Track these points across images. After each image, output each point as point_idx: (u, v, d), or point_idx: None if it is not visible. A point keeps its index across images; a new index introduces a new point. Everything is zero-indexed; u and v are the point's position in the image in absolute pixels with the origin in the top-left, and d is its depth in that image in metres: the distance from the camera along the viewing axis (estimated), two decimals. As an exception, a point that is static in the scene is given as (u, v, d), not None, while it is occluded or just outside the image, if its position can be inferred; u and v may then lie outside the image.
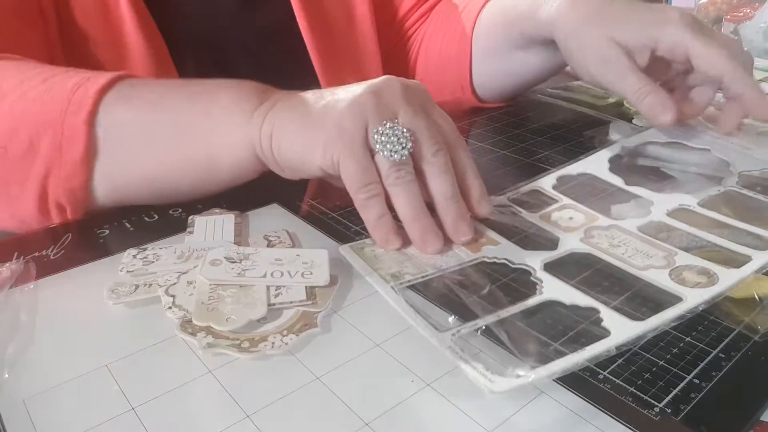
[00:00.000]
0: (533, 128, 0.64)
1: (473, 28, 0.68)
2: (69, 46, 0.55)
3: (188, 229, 0.42)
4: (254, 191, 0.47)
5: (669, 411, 0.27)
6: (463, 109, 0.72)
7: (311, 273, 0.35)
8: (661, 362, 0.30)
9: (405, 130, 0.38)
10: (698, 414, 0.27)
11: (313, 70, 0.66)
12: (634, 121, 0.63)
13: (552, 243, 0.40)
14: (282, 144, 0.40)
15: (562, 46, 0.56)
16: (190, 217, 0.44)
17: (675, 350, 0.31)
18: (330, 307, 0.34)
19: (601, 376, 0.29)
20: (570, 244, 0.39)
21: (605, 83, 0.53)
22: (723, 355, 0.30)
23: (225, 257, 0.36)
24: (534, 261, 0.37)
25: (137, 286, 0.35)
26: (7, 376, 0.30)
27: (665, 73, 0.56)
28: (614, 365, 0.30)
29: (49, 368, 0.30)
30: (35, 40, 0.52)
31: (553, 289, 0.34)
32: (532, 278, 0.36)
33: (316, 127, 0.39)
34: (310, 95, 0.42)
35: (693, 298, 0.33)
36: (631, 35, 0.51)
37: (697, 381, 0.29)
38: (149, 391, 0.29)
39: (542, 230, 0.41)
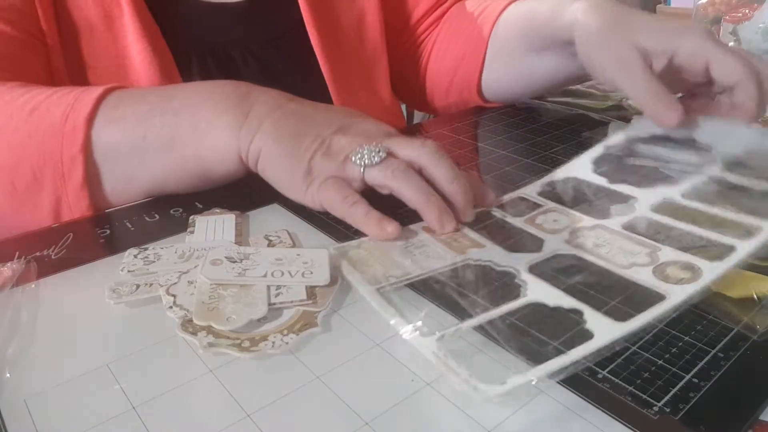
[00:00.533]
0: (533, 128, 0.64)
1: (491, 30, 0.68)
2: (71, 58, 0.55)
3: (189, 229, 0.42)
4: (255, 191, 0.47)
5: (668, 410, 0.27)
6: (466, 109, 0.72)
7: (311, 273, 0.36)
8: (660, 361, 0.30)
9: (376, 144, 0.42)
10: (697, 413, 0.27)
11: (321, 76, 0.66)
12: (633, 121, 0.63)
13: (536, 245, 0.40)
14: (267, 173, 0.45)
15: (580, 47, 0.56)
16: (191, 217, 0.44)
17: (674, 350, 0.31)
18: (330, 306, 0.34)
19: (600, 376, 0.29)
20: (554, 245, 0.39)
21: (617, 82, 0.53)
22: (722, 355, 0.30)
23: (226, 257, 0.36)
24: (519, 263, 0.37)
25: (138, 286, 0.35)
26: (8, 375, 0.30)
27: (681, 87, 0.56)
28: (613, 364, 0.30)
29: (50, 367, 0.30)
30: (33, 51, 0.52)
31: (537, 291, 0.34)
32: (516, 281, 0.36)
33: (298, 169, 0.43)
34: (294, 116, 0.45)
35: (676, 295, 0.33)
36: (652, 41, 0.51)
37: (696, 380, 0.29)
38: (150, 391, 0.29)
39: (527, 233, 0.41)
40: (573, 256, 0.38)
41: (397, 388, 0.29)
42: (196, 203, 0.46)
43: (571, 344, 0.30)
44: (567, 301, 0.33)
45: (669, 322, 0.33)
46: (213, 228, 0.42)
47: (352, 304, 0.35)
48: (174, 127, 0.45)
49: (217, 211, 0.45)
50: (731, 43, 0.87)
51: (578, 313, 0.32)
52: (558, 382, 0.29)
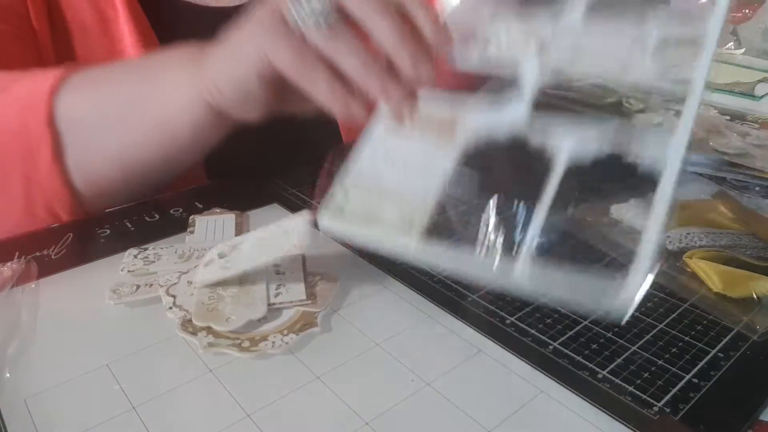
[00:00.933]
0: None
1: None
2: (63, 60, 0.54)
3: (189, 229, 0.42)
4: (254, 191, 0.47)
5: (668, 410, 0.27)
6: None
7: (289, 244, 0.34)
8: (660, 361, 0.30)
9: None
10: (697, 413, 0.27)
11: None
12: (633, 120, 0.63)
13: (511, 82, 0.33)
14: (219, 72, 0.40)
15: None
16: (191, 217, 0.44)
17: (674, 349, 0.31)
18: (330, 306, 0.34)
19: (600, 376, 0.29)
20: (531, 71, 0.32)
21: None
22: (722, 355, 0.30)
23: (218, 254, 0.36)
24: (516, 114, 0.31)
25: (138, 286, 0.35)
26: (8, 375, 0.30)
27: None
28: (613, 364, 0.30)
29: (50, 367, 0.30)
30: (23, 45, 0.52)
31: (559, 136, 0.28)
32: (531, 136, 0.29)
33: (238, 38, 0.39)
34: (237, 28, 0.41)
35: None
36: None
37: (696, 380, 0.29)
38: (150, 391, 0.29)
39: (492, 76, 0.34)
40: (559, 82, 0.32)
41: (397, 388, 0.29)
42: (196, 203, 0.46)
43: (649, 184, 0.25)
44: (597, 141, 0.27)
45: (669, 322, 0.33)
46: (213, 228, 0.42)
47: (351, 304, 0.35)
48: (138, 85, 0.44)
49: (217, 210, 0.45)
50: (731, 44, 0.87)
51: (617, 156, 0.27)
52: (558, 383, 0.29)
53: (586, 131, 0.28)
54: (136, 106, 0.43)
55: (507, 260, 0.26)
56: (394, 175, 0.32)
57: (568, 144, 0.28)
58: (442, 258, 0.28)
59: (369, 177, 0.32)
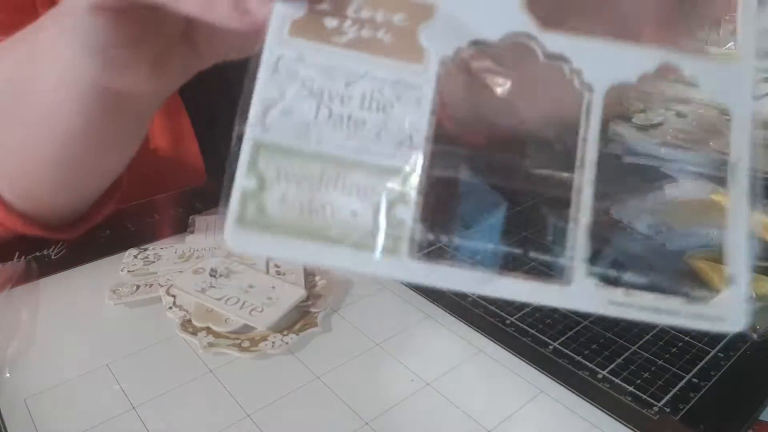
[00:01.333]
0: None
1: None
2: None
3: (189, 229, 0.42)
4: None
5: (668, 410, 0.27)
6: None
7: (261, 311, 0.33)
8: (660, 361, 0.30)
9: None
10: (697, 413, 0.27)
11: None
12: (633, 120, 0.64)
13: None
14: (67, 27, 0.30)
15: None
16: (191, 217, 0.44)
17: (674, 350, 0.31)
18: (330, 306, 0.34)
19: (600, 376, 0.29)
20: None
21: None
22: (722, 355, 0.30)
23: (211, 268, 0.36)
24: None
25: (138, 287, 0.35)
26: (8, 375, 0.30)
27: None
28: (613, 364, 0.30)
29: (50, 367, 0.30)
30: None
31: (587, 61, 0.17)
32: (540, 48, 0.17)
33: None
34: None
35: None
36: None
37: (696, 380, 0.29)
38: (150, 391, 0.29)
39: None
40: None
41: (397, 388, 0.29)
42: (196, 203, 0.46)
43: None
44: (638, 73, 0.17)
45: (669, 322, 0.33)
46: (213, 228, 0.42)
47: (351, 304, 0.35)
48: (19, 68, 0.34)
49: (217, 210, 0.45)
50: (731, 44, 0.87)
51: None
52: (558, 382, 0.29)
53: (625, 53, 0.17)
54: (17, 92, 0.35)
55: (557, 275, 0.17)
56: (336, 130, 0.18)
57: (605, 73, 0.17)
58: (456, 281, 0.17)
59: (295, 144, 0.18)
